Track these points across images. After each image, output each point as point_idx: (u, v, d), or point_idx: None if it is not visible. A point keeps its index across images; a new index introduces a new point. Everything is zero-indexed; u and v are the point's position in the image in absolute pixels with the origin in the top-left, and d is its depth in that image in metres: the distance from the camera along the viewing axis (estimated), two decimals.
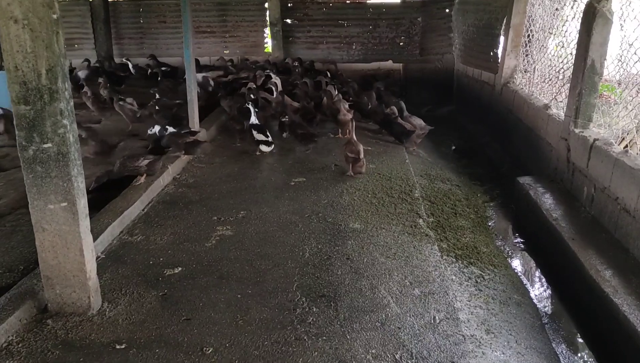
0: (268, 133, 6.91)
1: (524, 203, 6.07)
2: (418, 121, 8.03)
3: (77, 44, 13.09)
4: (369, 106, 8.65)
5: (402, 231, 4.89)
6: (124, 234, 4.60)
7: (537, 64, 7.95)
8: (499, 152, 8.48)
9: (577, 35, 5.94)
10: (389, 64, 12.44)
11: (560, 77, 6.89)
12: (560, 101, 6.70)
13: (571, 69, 6.60)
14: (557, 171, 6.17)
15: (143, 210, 5.10)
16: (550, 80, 7.30)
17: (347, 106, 7.81)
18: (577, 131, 5.71)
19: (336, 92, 8.45)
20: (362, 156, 6.12)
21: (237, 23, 12.62)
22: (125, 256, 4.22)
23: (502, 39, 9.01)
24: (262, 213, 5.10)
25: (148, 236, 4.59)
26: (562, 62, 6.87)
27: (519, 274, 4.93)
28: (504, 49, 8.83)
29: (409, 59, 12.34)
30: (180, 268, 4.03)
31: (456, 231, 5.35)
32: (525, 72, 8.47)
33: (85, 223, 3.33)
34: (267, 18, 12.45)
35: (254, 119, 6.98)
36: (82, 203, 3.30)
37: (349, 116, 7.52)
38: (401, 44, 12.29)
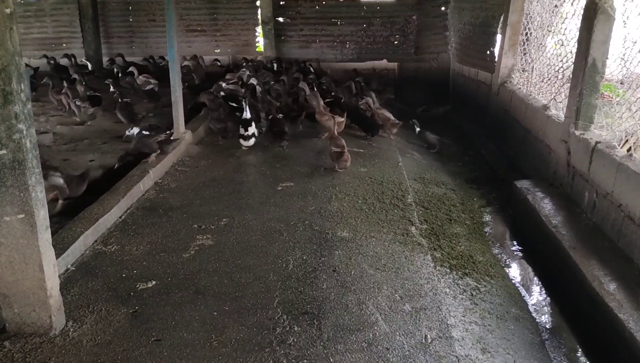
0: (253, 127, 6.90)
1: (521, 208, 5.82)
2: (387, 115, 8.21)
3: (65, 43, 12.80)
4: (342, 100, 8.66)
5: (393, 239, 4.62)
6: (98, 243, 4.33)
7: (535, 63, 7.69)
8: (496, 154, 8.22)
9: (578, 33, 5.68)
10: (383, 63, 12.19)
11: (560, 76, 6.63)
12: (560, 102, 6.45)
13: (571, 68, 6.37)
14: (557, 175, 5.92)
15: (120, 217, 4.83)
16: (549, 79, 7.04)
17: (322, 103, 7.66)
18: (577, 133, 5.46)
19: (313, 89, 8.38)
20: (346, 150, 6.15)
21: (228, 21, 12.34)
22: (97, 268, 3.95)
23: (499, 37, 8.77)
24: (246, 220, 4.83)
25: (123, 245, 4.31)
26: (562, 61, 6.61)
27: (517, 285, 4.67)
28: (501, 47, 8.57)
29: (404, 58, 12.09)
30: (154, 282, 3.75)
31: (451, 239, 5.09)
32: (523, 71, 8.21)
33: (45, 236, 3.06)
34: (259, 16, 12.17)
35: (246, 115, 6.84)
36: (42, 214, 3.02)
37: (326, 114, 7.35)
38: (396, 42, 12.03)
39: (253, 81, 8.96)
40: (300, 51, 12.21)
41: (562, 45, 6.68)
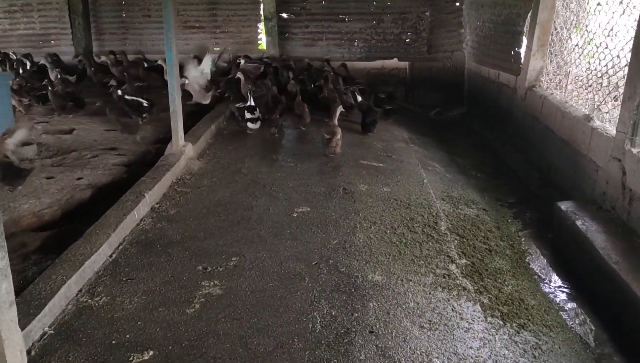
0: (258, 111, 7.43)
1: (569, 235, 5.11)
2: (340, 97, 8.13)
3: (54, 40, 11.97)
4: (321, 95, 8.55)
5: (434, 283, 3.91)
6: (83, 294, 3.60)
7: (570, 67, 6.96)
8: (525, 166, 7.50)
9: (634, 34, 4.98)
10: (393, 62, 11.43)
11: (605, 83, 5.91)
12: (606, 113, 5.73)
13: (619, 74, 5.66)
14: (607, 198, 5.21)
15: (111, 256, 4.09)
16: (590, 86, 6.31)
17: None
18: (635, 151, 4.76)
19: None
20: (336, 137, 6.35)
21: (228, 17, 11.53)
22: (80, 330, 3.22)
23: (525, 36, 8.02)
24: (259, 259, 4.10)
25: (114, 297, 3.58)
26: (606, 66, 5.89)
27: (582, 338, 3.96)
28: (529, 48, 7.83)
29: (416, 57, 11.32)
30: (151, 352, 3.03)
31: (495, 277, 4.38)
32: (555, 75, 7.48)
33: (9, 315, 2.33)
34: (262, 12, 11.38)
35: (250, 102, 7.39)
36: (4, 288, 2.29)
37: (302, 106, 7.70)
38: (407, 40, 11.25)
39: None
40: (305, 49, 11.43)
41: (607, 48, 5.96)
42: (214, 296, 3.59)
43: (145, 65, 10.27)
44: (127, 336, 3.16)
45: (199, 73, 9.20)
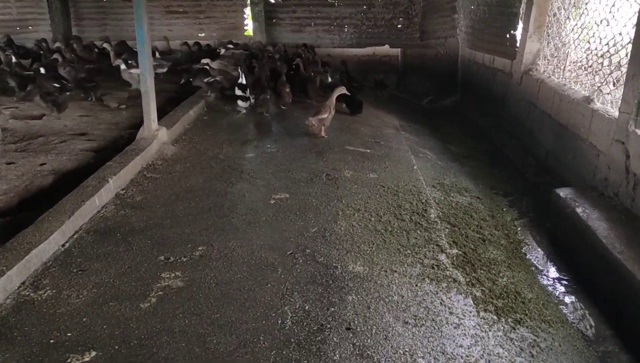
0: (248, 91, 7.67)
1: (568, 224, 4.74)
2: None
3: (32, 25, 11.52)
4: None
5: (422, 274, 3.53)
6: (26, 287, 3.20)
7: (569, 49, 6.58)
8: (520, 152, 7.13)
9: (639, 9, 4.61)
10: (385, 49, 11.05)
11: (606, 63, 5.54)
12: (608, 93, 5.35)
13: (621, 53, 5.30)
14: (610, 183, 4.84)
15: (63, 245, 3.69)
16: (590, 67, 5.93)
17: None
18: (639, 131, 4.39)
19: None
20: (320, 116, 6.25)
21: (212, 2, 11.09)
22: (17, 328, 2.82)
23: (521, 18, 7.64)
24: (228, 248, 3.71)
25: (60, 290, 3.18)
26: (607, 44, 5.51)
27: (583, 334, 3.59)
28: (525, 30, 7.45)
29: (408, 44, 10.94)
30: (93, 353, 2.64)
31: (489, 269, 4.00)
32: (552, 57, 7.10)
33: None
34: None
35: (242, 80, 7.70)
36: None
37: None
38: (399, 26, 10.87)
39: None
40: (293, 35, 11.03)
41: (608, 25, 5.58)
42: (174, 289, 3.20)
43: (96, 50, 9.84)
44: (69, 334, 2.76)
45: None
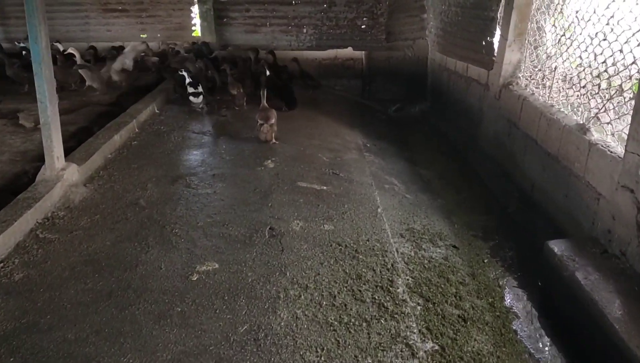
0: (200, 87, 7.43)
1: (566, 291, 3.86)
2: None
3: None
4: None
5: None
6: None
7: (556, 62, 5.69)
8: (500, 179, 6.24)
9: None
10: (348, 52, 10.03)
11: (604, 85, 4.65)
12: (608, 123, 4.46)
13: (623, 75, 4.43)
14: (614, 238, 3.97)
15: None
16: (583, 87, 5.04)
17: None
18: None
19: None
20: (270, 122, 6.03)
21: None
22: None
23: (499, 24, 6.72)
24: None
25: None
26: (605, 63, 4.62)
27: None
28: (503, 37, 6.54)
29: (373, 46, 9.93)
30: None
31: None
32: (535, 71, 6.21)
33: None
34: None
35: (188, 80, 7.39)
36: None
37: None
38: (363, 27, 9.84)
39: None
40: (246, 36, 9.91)
41: (605, 39, 4.69)
42: None
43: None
44: None
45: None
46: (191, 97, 7.43)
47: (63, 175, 4.55)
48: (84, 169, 4.95)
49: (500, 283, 4.32)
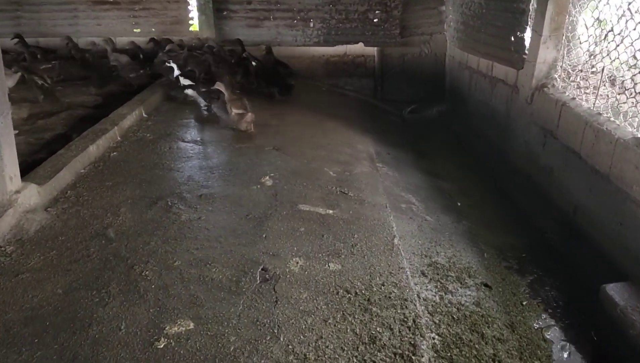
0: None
1: (631, 353, 3.04)
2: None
3: None
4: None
5: None
6: None
7: (603, 60, 4.86)
8: (532, 198, 5.42)
9: None
10: (359, 47, 9.20)
11: None
12: None
13: None
14: None
15: None
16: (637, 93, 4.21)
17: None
18: None
19: None
20: (250, 112, 5.97)
21: None
22: None
23: (531, 17, 5.88)
24: None
25: None
26: None
27: None
28: (537, 32, 5.70)
29: (386, 41, 9.09)
30: None
31: None
32: (576, 72, 5.37)
33: None
34: None
35: (177, 72, 7.24)
36: None
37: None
38: (375, 20, 8.99)
39: None
40: (248, 31, 9.08)
41: None
42: None
43: None
44: None
45: None
46: (189, 91, 7.09)
47: (17, 199, 3.79)
48: (47, 190, 4.18)
49: (546, 336, 3.52)
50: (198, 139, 5.79)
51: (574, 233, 4.62)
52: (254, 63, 7.82)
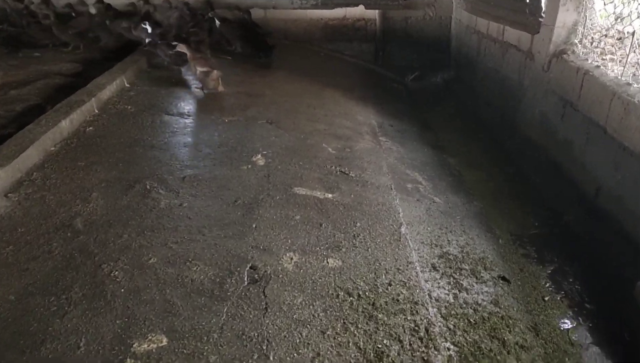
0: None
1: None
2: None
3: None
4: None
5: None
6: None
7: (632, 23, 4.35)
8: (549, 175, 4.96)
9: None
10: (359, 10, 8.60)
11: None
12: None
13: None
14: None
15: None
16: None
17: None
18: None
19: None
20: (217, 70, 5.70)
21: None
22: None
23: None
24: None
25: None
26: None
27: None
28: None
29: (388, 4, 8.48)
30: None
31: None
32: (600, 36, 4.86)
33: None
34: None
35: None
36: None
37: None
38: None
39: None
40: None
41: None
42: None
43: None
44: None
45: None
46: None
47: None
48: (10, 172, 3.70)
49: (573, 338, 3.10)
50: (184, 111, 5.28)
51: (596, 212, 4.17)
52: (217, 22, 7.41)
